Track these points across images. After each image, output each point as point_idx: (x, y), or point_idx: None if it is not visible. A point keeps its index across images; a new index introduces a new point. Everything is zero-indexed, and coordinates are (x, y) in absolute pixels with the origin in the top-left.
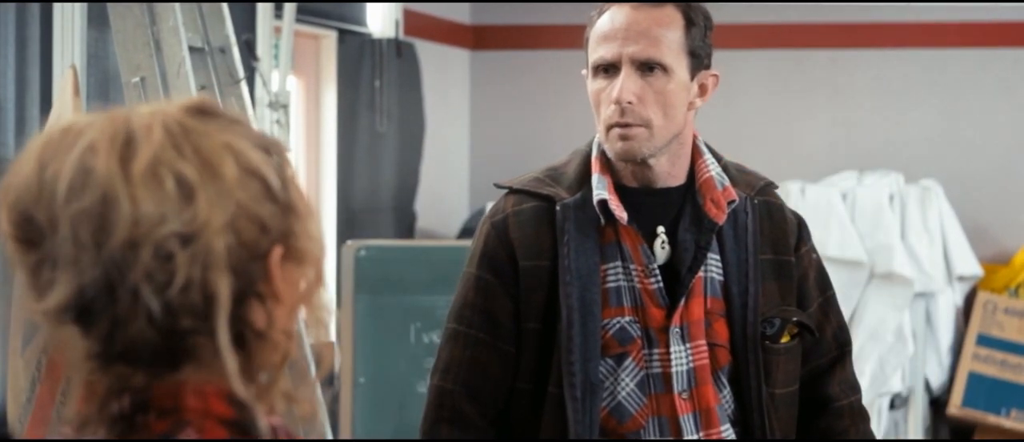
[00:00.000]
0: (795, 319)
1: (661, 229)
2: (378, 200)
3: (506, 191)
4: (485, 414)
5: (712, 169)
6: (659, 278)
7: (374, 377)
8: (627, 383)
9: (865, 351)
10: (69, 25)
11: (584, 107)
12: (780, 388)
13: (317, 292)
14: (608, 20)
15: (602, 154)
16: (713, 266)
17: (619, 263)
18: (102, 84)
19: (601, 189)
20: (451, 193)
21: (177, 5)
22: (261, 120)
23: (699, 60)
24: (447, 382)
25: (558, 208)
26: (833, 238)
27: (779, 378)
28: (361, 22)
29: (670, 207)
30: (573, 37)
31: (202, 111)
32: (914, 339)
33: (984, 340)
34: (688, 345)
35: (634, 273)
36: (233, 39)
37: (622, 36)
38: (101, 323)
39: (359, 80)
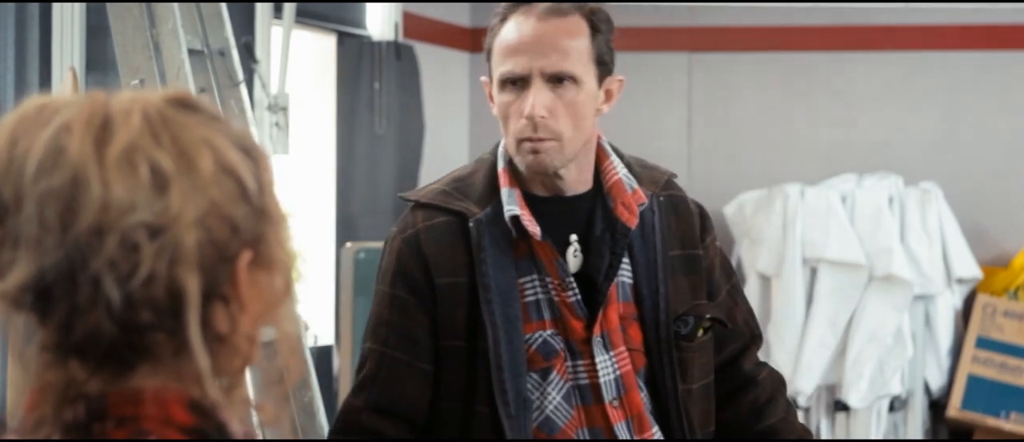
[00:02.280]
0: (708, 315)
1: (574, 237)
2: (377, 202)
3: (412, 204)
4: (397, 427)
5: (619, 171)
6: (576, 290)
7: None
8: (554, 397)
9: (864, 353)
10: (68, 28)
11: None
12: (696, 382)
13: (284, 301)
14: (514, 31)
15: (509, 165)
16: (623, 270)
17: (535, 276)
18: (101, 87)
19: (512, 204)
20: None
21: (176, 8)
22: (260, 122)
23: (606, 67)
24: (357, 400)
25: (471, 224)
26: (832, 241)
27: (695, 373)
28: (360, 25)
29: (580, 213)
30: None
31: (183, 104)
32: (913, 342)
33: (983, 343)
34: (611, 353)
35: (550, 286)
36: (232, 42)
37: (530, 49)
38: (59, 311)
39: (358, 82)
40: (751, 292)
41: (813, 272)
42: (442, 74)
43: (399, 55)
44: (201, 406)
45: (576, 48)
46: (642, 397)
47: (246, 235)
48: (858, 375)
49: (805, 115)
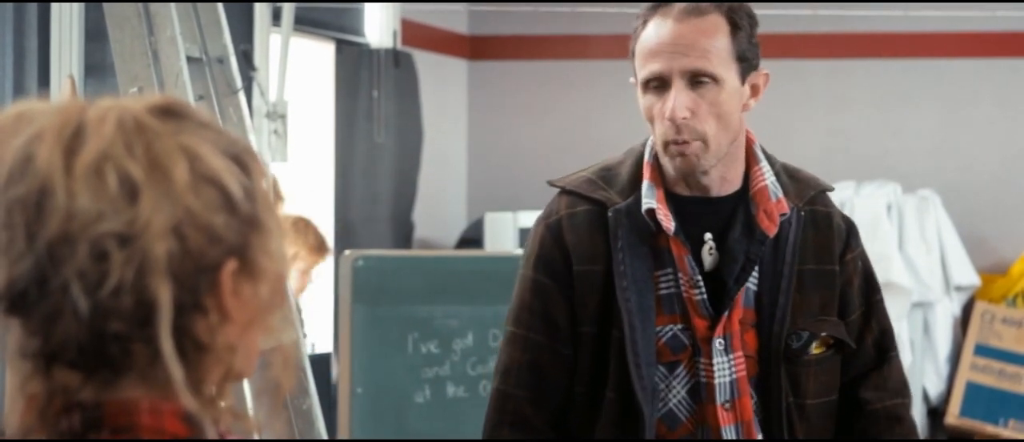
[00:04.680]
0: (824, 333)
1: (709, 236)
2: (376, 210)
3: (558, 191)
4: (546, 418)
5: (767, 178)
6: (703, 289)
7: (371, 387)
8: (679, 391)
9: None
10: (66, 32)
11: (580, 116)
12: (812, 399)
13: (273, 311)
14: (654, 33)
15: (655, 161)
16: (751, 277)
17: (670, 270)
18: (100, 92)
19: (650, 198)
20: (449, 203)
21: (175, 16)
22: (259, 130)
23: (748, 63)
24: (508, 386)
25: (610, 213)
26: None
27: (810, 389)
28: (359, 32)
29: (722, 214)
30: (570, 48)
31: (167, 111)
32: (912, 349)
33: (982, 350)
34: (730, 356)
35: (681, 282)
36: (231, 49)
37: (669, 50)
38: (34, 318)
39: (357, 90)
40: None
41: None
42: (440, 81)
43: (397, 63)
44: (195, 419)
45: (716, 47)
46: (752, 404)
47: (229, 244)
48: None
49: (803, 123)
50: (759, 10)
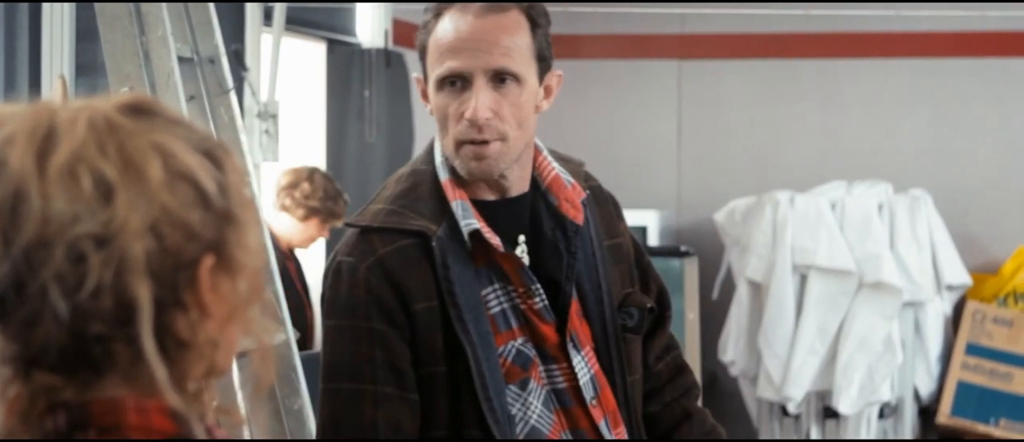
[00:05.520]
0: (649, 305)
1: (522, 238)
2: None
3: (358, 230)
4: None
5: (555, 166)
6: (543, 296)
7: None
8: (536, 406)
9: (854, 360)
10: (58, 31)
11: (570, 115)
12: (637, 373)
13: (250, 305)
14: (451, 28)
15: (452, 174)
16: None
17: (495, 285)
18: (91, 91)
19: (468, 217)
20: None
21: (166, 16)
22: (250, 130)
23: (546, 62)
24: None
25: (434, 243)
26: (822, 248)
27: (635, 363)
28: (350, 32)
29: (523, 213)
30: (560, 47)
31: (137, 109)
32: (903, 348)
33: (973, 349)
34: (582, 353)
35: (514, 294)
36: (222, 49)
37: (471, 46)
38: (13, 323)
39: (348, 90)
40: (741, 299)
41: (803, 279)
42: None
43: (389, 62)
44: (182, 416)
45: (518, 45)
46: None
47: (206, 240)
48: (848, 382)
49: (795, 122)
50: (753, 9)
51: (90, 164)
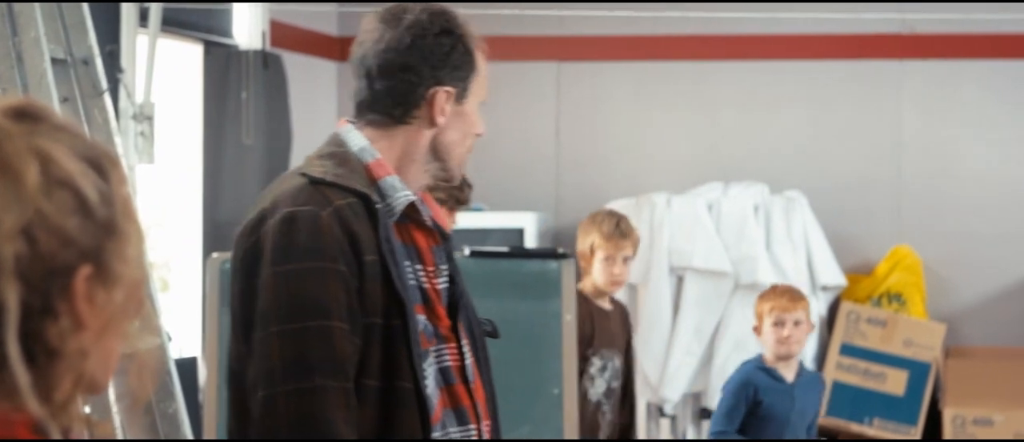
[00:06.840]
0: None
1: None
2: (244, 212)
3: (310, 180)
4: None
5: None
6: (447, 278)
7: None
8: (430, 379)
9: (730, 361)
10: None
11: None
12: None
13: (128, 318)
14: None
15: (382, 160)
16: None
17: (411, 263)
18: None
19: (405, 190)
20: None
21: (40, 16)
22: (125, 132)
23: None
24: (339, 381)
25: (379, 206)
26: (698, 249)
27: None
28: (227, 33)
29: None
30: None
31: (22, 113)
32: None
33: (847, 349)
34: (464, 340)
35: (421, 274)
36: (96, 50)
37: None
38: None
39: (225, 92)
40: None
41: (679, 280)
42: (310, 83)
43: (266, 64)
44: (48, 431)
45: None
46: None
47: (83, 249)
48: (725, 382)
49: (672, 124)
50: (631, 11)
51: None
